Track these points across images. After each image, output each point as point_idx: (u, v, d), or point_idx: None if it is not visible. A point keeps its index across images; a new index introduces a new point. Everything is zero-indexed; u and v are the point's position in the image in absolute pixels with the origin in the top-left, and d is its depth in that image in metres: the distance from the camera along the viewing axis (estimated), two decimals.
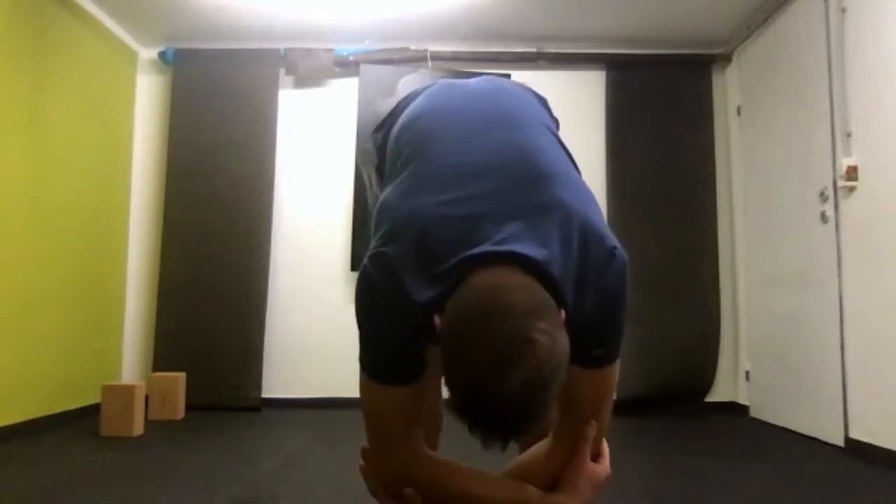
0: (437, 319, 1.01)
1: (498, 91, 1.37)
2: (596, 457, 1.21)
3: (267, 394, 4.32)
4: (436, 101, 1.36)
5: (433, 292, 1.05)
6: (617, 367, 1.20)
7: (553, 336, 0.93)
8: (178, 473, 2.65)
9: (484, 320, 0.93)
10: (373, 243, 1.15)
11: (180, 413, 3.93)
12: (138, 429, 3.43)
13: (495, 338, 0.91)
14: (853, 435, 3.11)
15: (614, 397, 1.25)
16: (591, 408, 1.19)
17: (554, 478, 1.18)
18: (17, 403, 3.35)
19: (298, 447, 3.20)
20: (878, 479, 2.64)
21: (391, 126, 1.44)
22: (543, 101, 1.44)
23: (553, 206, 1.11)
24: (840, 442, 3.18)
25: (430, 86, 1.47)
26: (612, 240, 1.14)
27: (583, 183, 1.22)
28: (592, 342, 1.10)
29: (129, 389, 3.43)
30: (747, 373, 4.24)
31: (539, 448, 1.24)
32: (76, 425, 3.62)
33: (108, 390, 3.43)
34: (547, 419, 1.04)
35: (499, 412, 0.91)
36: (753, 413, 4.12)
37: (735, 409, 4.30)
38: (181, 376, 3.99)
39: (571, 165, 1.26)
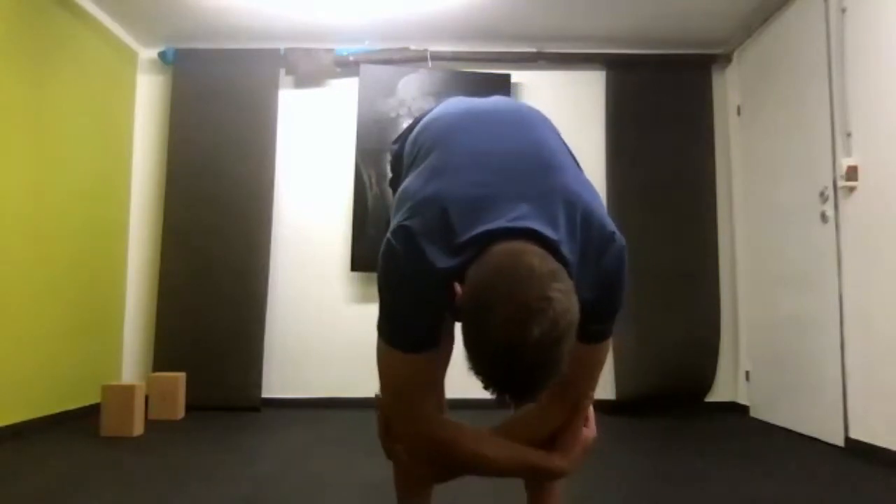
0: (457, 287, 1.09)
1: (508, 102, 1.51)
2: (585, 420, 1.34)
3: (267, 394, 4.32)
4: (451, 107, 1.48)
5: (454, 261, 1.13)
6: (610, 342, 1.33)
7: (568, 297, 1.03)
8: (178, 473, 2.65)
9: (507, 279, 1.02)
10: (394, 221, 1.23)
11: (180, 413, 3.93)
12: (138, 429, 3.43)
13: (518, 295, 1.00)
14: (853, 435, 3.11)
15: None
16: (584, 377, 1.31)
17: (544, 437, 1.31)
18: (17, 403, 3.35)
19: (298, 447, 3.20)
20: (878, 479, 2.64)
21: (409, 134, 1.55)
22: (547, 119, 1.53)
23: (560, 192, 1.21)
24: (840, 442, 3.18)
25: (443, 101, 1.60)
26: (612, 225, 1.25)
27: (587, 178, 1.34)
28: (590, 319, 1.17)
29: (129, 389, 3.43)
30: (747, 373, 4.24)
31: (528, 409, 1.35)
32: (76, 425, 3.62)
33: (108, 390, 3.44)
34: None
35: (519, 363, 0.99)
36: (753, 413, 4.12)
37: (735, 409, 4.30)
38: (181, 376, 3.99)
39: (576, 164, 1.38)
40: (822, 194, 3.38)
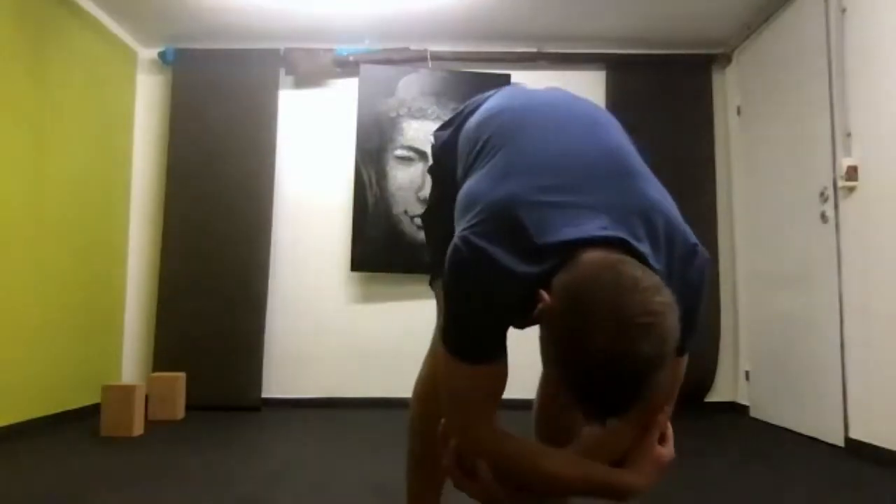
0: (544, 295, 1.02)
1: (571, 97, 1.42)
2: (662, 440, 1.24)
3: (267, 394, 4.32)
4: (515, 100, 1.39)
5: (536, 268, 1.06)
6: (686, 358, 1.26)
7: (673, 312, 0.98)
8: (178, 473, 2.65)
9: (611, 290, 0.96)
10: (461, 225, 1.16)
11: (180, 413, 3.93)
12: (138, 429, 3.43)
13: (625, 308, 0.94)
14: (853, 435, 3.11)
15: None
16: (662, 394, 1.20)
17: (620, 456, 1.21)
18: (16, 403, 3.35)
19: (298, 447, 3.20)
20: (878, 479, 2.64)
21: (461, 124, 1.46)
22: (614, 117, 1.47)
23: (641, 202, 1.15)
24: (840, 442, 3.18)
25: (498, 90, 1.51)
26: (693, 237, 1.19)
27: (662, 186, 1.26)
28: None
29: (129, 389, 3.43)
30: (747, 373, 4.24)
31: (607, 428, 1.24)
32: (76, 425, 3.62)
33: (108, 390, 3.44)
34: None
35: (622, 381, 0.94)
36: (753, 413, 4.12)
37: (735, 409, 4.30)
38: (181, 376, 3.99)
39: (647, 165, 1.30)
40: (822, 194, 3.38)
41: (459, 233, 1.14)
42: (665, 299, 0.97)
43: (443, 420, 1.24)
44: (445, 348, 1.19)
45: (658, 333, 0.94)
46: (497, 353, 1.17)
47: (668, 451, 1.23)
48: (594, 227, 1.07)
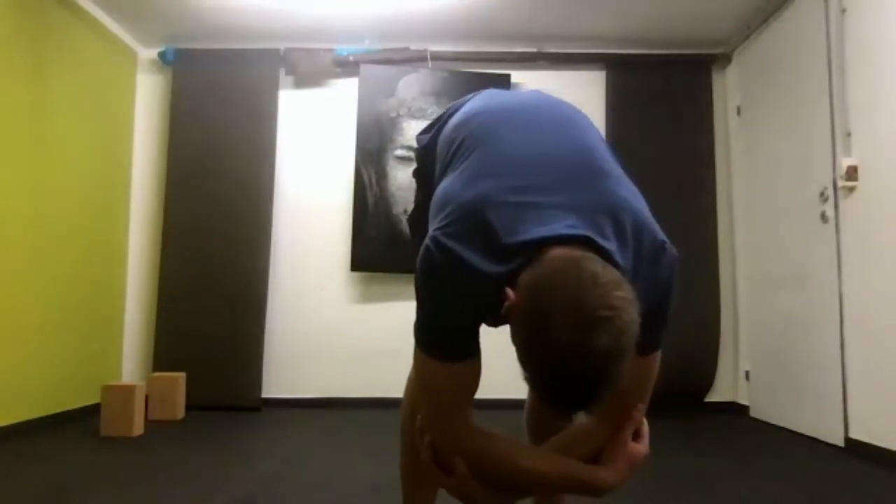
0: (509, 292, 1.04)
1: (549, 99, 1.44)
2: (636, 436, 1.27)
3: (267, 394, 4.32)
4: (491, 102, 1.42)
5: (503, 266, 1.08)
6: (659, 355, 1.27)
7: (632, 306, 1.00)
8: (178, 473, 2.65)
9: (571, 286, 0.98)
10: (434, 225, 1.17)
11: (180, 413, 3.93)
12: (138, 429, 3.43)
13: (584, 302, 0.96)
14: (853, 435, 3.11)
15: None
16: (635, 390, 1.23)
17: (595, 453, 1.23)
18: (17, 403, 3.35)
19: (298, 447, 3.20)
20: (878, 479, 2.64)
21: (441, 127, 1.48)
22: (589, 118, 1.48)
23: (610, 201, 1.17)
24: (840, 442, 3.18)
25: (478, 92, 1.53)
26: (662, 235, 1.21)
27: (633, 186, 1.28)
28: (642, 329, 1.13)
29: (129, 389, 3.43)
30: (747, 373, 4.24)
31: (580, 424, 1.28)
32: (76, 425, 3.62)
33: (108, 390, 3.44)
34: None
35: (583, 373, 0.96)
36: (753, 413, 4.12)
37: (735, 409, 4.30)
38: (181, 376, 3.99)
39: (620, 167, 1.32)
40: (822, 194, 3.38)
41: (430, 233, 1.16)
42: (624, 294, 0.99)
43: (419, 416, 1.26)
44: (418, 347, 1.21)
45: (617, 326, 0.96)
46: (469, 352, 1.18)
47: (642, 447, 1.26)
48: (561, 225, 1.09)
